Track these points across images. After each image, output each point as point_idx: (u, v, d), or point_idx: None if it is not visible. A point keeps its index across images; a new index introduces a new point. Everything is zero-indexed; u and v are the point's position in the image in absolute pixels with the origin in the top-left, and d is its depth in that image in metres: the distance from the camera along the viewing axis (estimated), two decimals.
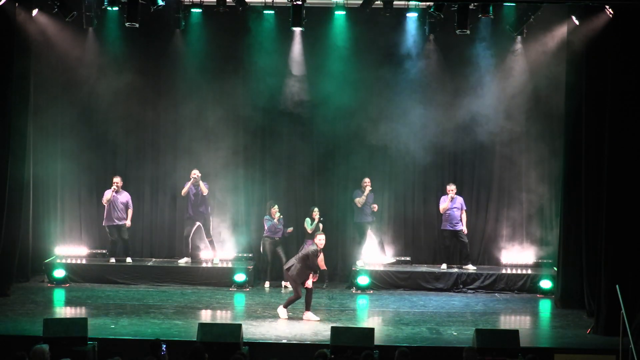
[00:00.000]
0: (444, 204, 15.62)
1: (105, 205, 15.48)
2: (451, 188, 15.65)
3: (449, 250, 15.85)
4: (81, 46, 15.62)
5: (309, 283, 12.88)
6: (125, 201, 15.59)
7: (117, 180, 15.50)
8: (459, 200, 15.73)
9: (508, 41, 15.63)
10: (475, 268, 15.63)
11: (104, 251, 15.94)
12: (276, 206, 15.33)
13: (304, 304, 12.93)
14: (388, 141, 16.13)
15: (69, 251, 15.96)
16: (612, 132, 12.41)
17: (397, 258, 16.05)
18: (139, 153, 16.35)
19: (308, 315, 12.89)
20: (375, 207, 15.73)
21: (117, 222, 15.52)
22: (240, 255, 16.06)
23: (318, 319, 12.81)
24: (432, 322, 12.86)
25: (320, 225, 15.39)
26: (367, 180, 15.71)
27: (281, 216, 15.35)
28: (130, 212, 15.64)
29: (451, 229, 15.67)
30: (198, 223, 15.66)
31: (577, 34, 13.68)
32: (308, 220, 15.42)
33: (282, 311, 12.98)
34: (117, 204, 15.49)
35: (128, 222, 15.61)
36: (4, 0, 13.65)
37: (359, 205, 15.67)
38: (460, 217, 15.68)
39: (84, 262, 15.62)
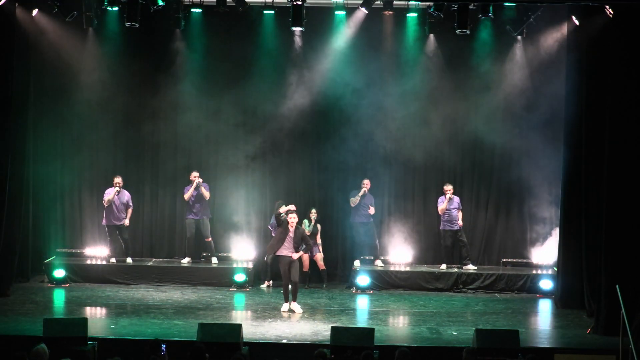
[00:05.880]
0: (442, 204, 15.61)
1: (106, 204, 15.49)
2: (448, 188, 15.64)
3: (448, 250, 15.83)
4: (81, 46, 15.63)
5: (297, 256, 13.33)
6: (126, 200, 15.56)
7: (118, 180, 15.46)
8: (456, 200, 15.72)
9: (508, 41, 15.65)
10: (475, 268, 15.63)
11: (104, 251, 15.93)
12: (283, 206, 15.10)
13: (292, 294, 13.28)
14: (388, 141, 16.13)
15: (69, 251, 15.96)
16: (612, 132, 12.40)
17: (391, 259, 16.00)
18: (139, 153, 16.33)
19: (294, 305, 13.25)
20: (372, 210, 15.65)
21: (116, 222, 15.49)
22: (240, 255, 16.03)
23: (301, 311, 13.17)
24: (432, 322, 12.85)
25: (319, 227, 15.36)
26: (366, 181, 15.67)
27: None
28: (129, 211, 15.62)
29: (450, 229, 15.66)
30: (198, 221, 15.65)
31: (577, 34, 13.68)
32: (305, 221, 15.36)
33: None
34: (117, 203, 15.48)
35: (126, 222, 15.58)
36: (4, 0, 13.64)
37: (352, 205, 15.63)
38: (458, 216, 15.68)
39: (84, 262, 15.61)
